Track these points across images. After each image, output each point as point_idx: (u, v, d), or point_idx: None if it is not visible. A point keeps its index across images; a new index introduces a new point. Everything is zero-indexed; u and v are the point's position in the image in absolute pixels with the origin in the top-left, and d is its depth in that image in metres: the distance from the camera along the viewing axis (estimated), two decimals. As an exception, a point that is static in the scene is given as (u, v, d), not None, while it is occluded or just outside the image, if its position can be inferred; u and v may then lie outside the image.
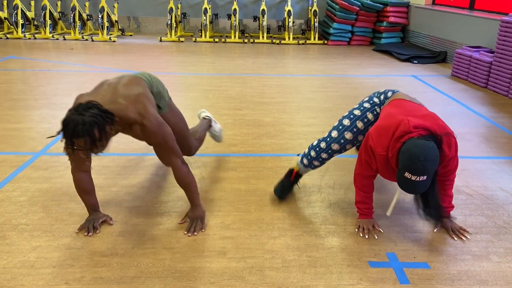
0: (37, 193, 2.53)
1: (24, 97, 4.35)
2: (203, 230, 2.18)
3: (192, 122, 3.19)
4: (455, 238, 2.14)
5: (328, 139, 2.34)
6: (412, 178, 1.80)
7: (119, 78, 2.18)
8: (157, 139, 2.03)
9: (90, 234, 2.14)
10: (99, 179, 2.69)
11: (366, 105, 2.32)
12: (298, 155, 3.12)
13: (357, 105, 2.36)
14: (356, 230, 2.20)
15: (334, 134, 2.32)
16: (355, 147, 2.62)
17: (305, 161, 2.43)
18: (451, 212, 2.23)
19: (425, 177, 1.80)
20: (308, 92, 4.82)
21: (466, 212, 2.39)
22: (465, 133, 3.59)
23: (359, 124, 2.28)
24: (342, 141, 2.30)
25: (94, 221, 2.19)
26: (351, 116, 2.31)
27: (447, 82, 5.31)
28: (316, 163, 2.40)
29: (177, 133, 2.33)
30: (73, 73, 5.47)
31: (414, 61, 6.46)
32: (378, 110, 2.28)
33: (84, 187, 2.17)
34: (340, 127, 2.31)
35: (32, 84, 4.85)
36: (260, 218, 2.32)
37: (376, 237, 2.14)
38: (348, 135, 2.29)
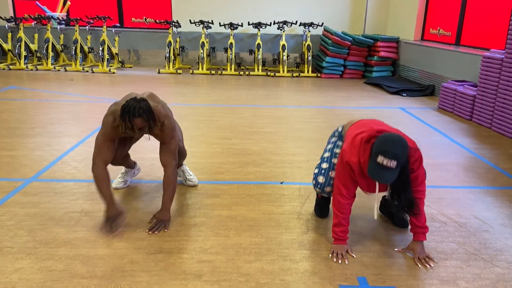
0: (25, 217, 2.61)
1: (20, 126, 4.49)
2: (165, 230, 2.47)
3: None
4: (419, 265, 2.20)
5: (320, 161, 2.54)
6: (384, 163, 1.93)
7: (142, 93, 2.66)
8: (167, 139, 2.54)
9: (116, 233, 2.41)
10: (85, 205, 2.79)
11: (329, 146, 2.54)
12: (281, 183, 3.23)
13: (324, 151, 2.56)
14: (330, 255, 2.27)
15: (321, 179, 2.48)
16: None
17: (317, 189, 2.55)
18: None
19: (395, 163, 1.93)
20: (297, 122, 4.97)
21: (438, 238, 2.47)
22: (446, 163, 3.69)
23: (335, 161, 2.44)
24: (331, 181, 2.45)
25: (115, 219, 2.44)
26: (325, 159, 2.51)
27: (433, 115, 5.46)
28: (328, 189, 2.49)
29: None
30: (71, 103, 5.64)
31: (403, 94, 6.65)
32: (340, 143, 2.48)
33: (105, 177, 2.48)
34: (323, 171, 2.49)
35: (30, 113, 5.01)
36: (238, 243, 2.39)
37: (346, 262, 2.21)
38: (333, 174, 2.44)
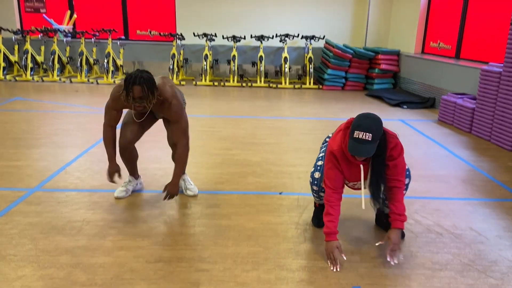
0: (28, 226, 2.67)
1: (26, 137, 4.58)
2: (176, 196, 2.90)
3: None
4: (388, 258, 2.30)
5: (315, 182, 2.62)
6: (360, 136, 2.09)
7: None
8: (177, 117, 2.75)
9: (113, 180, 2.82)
10: (87, 214, 2.84)
11: (321, 155, 2.65)
12: (280, 193, 3.27)
13: (317, 160, 2.67)
14: (327, 260, 2.33)
15: (317, 175, 2.59)
16: None
17: (316, 199, 2.71)
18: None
19: (370, 135, 2.08)
20: (298, 134, 5.02)
21: (434, 249, 2.50)
22: (444, 175, 3.73)
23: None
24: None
25: (115, 174, 2.82)
26: (318, 164, 2.62)
27: (433, 127, 5.51)
28: (322, 194, 2.62)
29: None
30: (75, 114, 5.73)
31: (404, 106, 6.70)
32: None
33: (110, 138, 2.82)
34: (318, 167, 2.60)
35: (35, 124, 5.10)
36: (236, 252, 2.43)
37: (338, 269, 2.27)
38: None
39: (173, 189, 2.81)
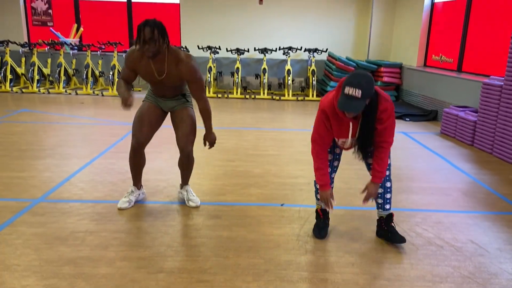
0: (32, 236, 2.70)
1: (31, 148, 4.64)
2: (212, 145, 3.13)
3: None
4: (363, 202, 2.59)
5: None
6: (350, 92, 2.16)
7: None
8: (195, 77, 2.86)
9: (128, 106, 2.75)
10: (90, 225, 2.87)
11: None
12: (281, 205, 3.29)
13: None
14: (325, 206, 2.64)
15: None
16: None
17: (319, 196, 2.70)
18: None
19: (360, 92, 2.14)
20: (300, 146, 5.05)
21: (434, 262, 2.50)
22: (446, 188, 3.73)
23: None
24: (329, 161, 2.67)
25: (128, 99, 2.77)
26: None
27: (435, 140, 5.52)
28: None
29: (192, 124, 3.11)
30: (80, 125, 5.80)
31: (406, 119, 6.73)
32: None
33: (123, 84, 2.90)
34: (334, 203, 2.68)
35: (40, 136, 5.17)
36: (237, 263, 2.45)
37: (335, 203, 2.63)
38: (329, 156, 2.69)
39: (211, 137, 3.07)
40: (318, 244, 2.70)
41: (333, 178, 2.75)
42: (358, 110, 2.22)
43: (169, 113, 3.18)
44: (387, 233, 2.70)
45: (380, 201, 2.68)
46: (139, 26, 2.64)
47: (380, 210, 2.72)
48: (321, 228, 2.80)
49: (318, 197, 2.75)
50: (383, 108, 2.33)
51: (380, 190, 2.64)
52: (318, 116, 2.47)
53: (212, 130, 3.10)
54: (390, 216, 2.71)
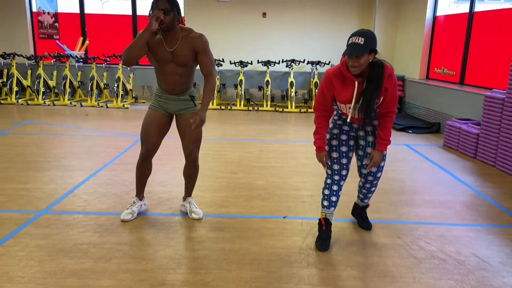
0: (35, 248, 2.72)
1: (36, 160, 4.68)
2: (200, 126, 2.94)
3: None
4: (366, 170, 2.81)
5: (327, 175, 2.87)
6: (353, 40, 2.35)
7: None
8: (206, 49, 2.94)
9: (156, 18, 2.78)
10: (94, 237, 2.89)
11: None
12: (284, 217, 3.30)
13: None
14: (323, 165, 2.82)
15: (329, 171, 2.84)
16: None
17: (325, 203, 2.85)
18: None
19: (363, 39, 2.34)
20: (303, 158, 5.07)
21: (437, 276, 2.50)
22: (448, 201, 3.73)
23: (333, 142, 2.81)
24: (334, 167, 2.81)
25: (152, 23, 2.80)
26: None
27: (438, 152, 5.53)
28: (333, 198, 2.83)
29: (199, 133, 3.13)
30: (85, 137, 5.85)
31: (409, 131, 6.74)
32: (335, 131, 2.82)
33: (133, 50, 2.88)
34: (328, 163, 2.85)
35: (45, 147, 5.21)
36: (239, 276, 2.45)
37: (329, 163, 2.80)
38: (336, 166, 2.82)
39: (201, 115, 2.91)
40: (321, 257, 2.70)
41: (341, 185, 2.84)
42: (361, 52, 2.35)
43: (174, 117, 3.18)
44: (359, 218, 3.18)
45: (361, 196, 3.06)
46: (153, 0, 2.79)
47: (359, 200, 3.14)
48: (323, 240, 2.81)
49: (325, 203, 2.85)
50: (388, 75, 2.49)
51: (364, 191, 3.00)
52: (321, 82, 2.65)
53: (206, 110, 3.00)
54: (365, 206, 3.14)
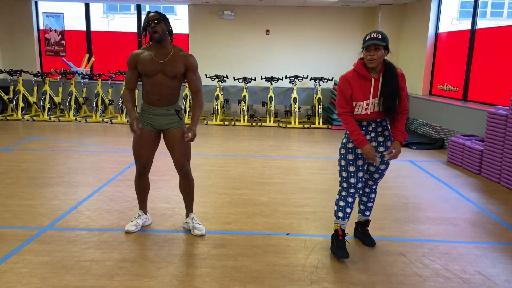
0: (38, 265, 2.72)
1: (40, 176, 4.70)
2: (192, 140, 3.06)
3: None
4: (386, 157, 2.82)
5: (342, 188, 2.90)
6: (371, 36, 2.64)
7: None
8: (195, 68, 3.13)
9: (134, 129, 2.98)
10: (96, 253, 2.88)
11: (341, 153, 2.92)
12: (287, 234, 3.29)
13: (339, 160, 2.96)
14: (371, 159, 2.76)
15: (345, 184, 2.87)
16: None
17: (340, 214, 2.89)
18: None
19: (380, 35, 2.63)
20: (306, 174, 5.07)
21: (442, 294, 2.47)
22: (453, 218, 3.71)
23: (349, 156, 2.85)
24: (350, 181, 2.84)
25: (134, 121, 2.99)
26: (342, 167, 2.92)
27: (442, 168, 5.51)
28: (348, 210, 2.88)
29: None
30: (89, 153, 5.89)
31: (413, 147, 6.73)
32: (350, 145, 2.86)
33: (128, 96, 3.14)
34: (339, 177, 2.90)
35: (49, 163, 5.24)
36: (242, 294, 2.44)
37: (378, 158, 2.81)
38: (344, 174, 2.87)
39: (194, 131, 3.04)
40: (324, 275, 2.68)
41: (355, 198, 2.89)
42: (379, 41, 2.60)
43: (162, 133, 3.22)
44: (361, 235, 3.15)
45: (362, 207, 3.11)
46: (146, 14, 3.00)
47: (360, 215, 3.15)
48: (341, 248, 2.87)
49: (339, 215, 2.88)
50: (400, 72, 2.72)
51: (364, 199, 3.07)
52: (338, 86, 2.80)
53: (196, 126, 3.12)
54: (366, 221, 3.15)
